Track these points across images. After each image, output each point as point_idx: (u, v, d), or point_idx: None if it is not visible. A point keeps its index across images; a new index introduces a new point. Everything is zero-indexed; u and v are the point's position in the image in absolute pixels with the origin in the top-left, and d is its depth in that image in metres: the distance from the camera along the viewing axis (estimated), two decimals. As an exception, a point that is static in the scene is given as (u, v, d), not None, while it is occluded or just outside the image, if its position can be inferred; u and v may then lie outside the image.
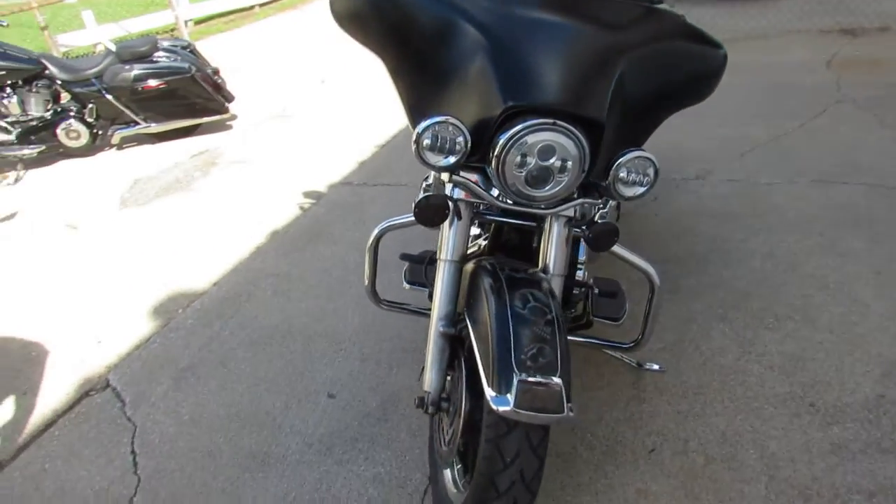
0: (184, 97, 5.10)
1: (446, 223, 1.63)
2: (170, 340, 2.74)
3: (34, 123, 4.95)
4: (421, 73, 1.57)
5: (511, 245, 1.92)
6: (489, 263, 1.61)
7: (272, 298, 2.94)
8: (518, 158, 1.43)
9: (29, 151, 4.97)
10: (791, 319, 2.37)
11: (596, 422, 2.04)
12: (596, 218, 1.60)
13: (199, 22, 11.94)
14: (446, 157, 1.46)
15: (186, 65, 5.00)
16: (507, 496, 1.40)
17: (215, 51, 9.20)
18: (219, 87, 5.28)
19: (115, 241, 3.74)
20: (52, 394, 2.51)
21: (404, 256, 2.08)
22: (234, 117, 5.74)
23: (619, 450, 1.93)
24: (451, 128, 1.43)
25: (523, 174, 1.45)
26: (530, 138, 1.41)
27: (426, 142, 1.43)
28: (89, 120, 5.05)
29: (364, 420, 2.16)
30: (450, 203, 1.55)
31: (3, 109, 4.84)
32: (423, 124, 1.42)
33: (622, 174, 1.50)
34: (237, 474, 2.02)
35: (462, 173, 1.56)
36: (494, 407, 1.32)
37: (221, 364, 2.54)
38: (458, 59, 1.50)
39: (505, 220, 1.71)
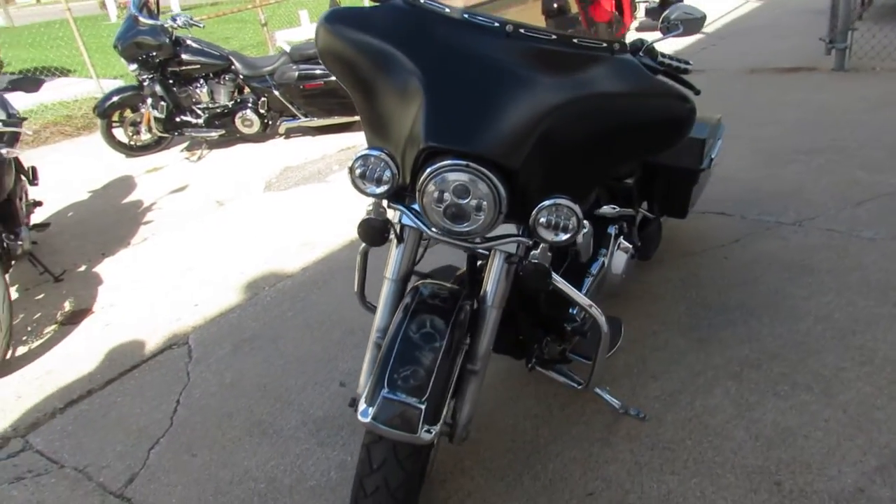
0: (341, 96, 5.61)
1: (393, 245, 1.80)
2: (247, 313, 3.18)
3: (219, 111, 5.78)
4: (375, 109, 1.74)
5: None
6: (422, 285, 1.75)
7: (339, 289, 3.27)
8: (436, 194, 1.56)
9: (212, 134, 5.82)
10: (808, 390, 2.19)
11: (554, 456, 2.08)
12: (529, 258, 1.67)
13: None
14: (375, 186, 1.63)
15: (345, 67, 5.51)
16: (372, 499, 1.55)
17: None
18: (373, 89, 5.74)
19: (247, 220, 4.31)
20: (148, 342, 3.05)
21: None
22: (388, 116, 6.20)
23: (560, 487, 1.97)
24: (382, 161, 1.60)
25: (441, 209, 1.57)
26: (445, 177, 1.53)
27: (358, 171, 1.63)
28: (261, 111, 5.78)
29: (358, 411, 2.39)
30: (392, 227, 1.72)
31: (195, 97, 5.72)
32: (357, 155, 1.61)
33: (542, 219, 1.56)
34: (240, 436, 2.36)
35: (407, 201, 1.72)
36: (358, 416, 1.49)
37: (273, 340, 2.91)
38: (400, 97, 1.65)
39: (448, 243, 1.78)
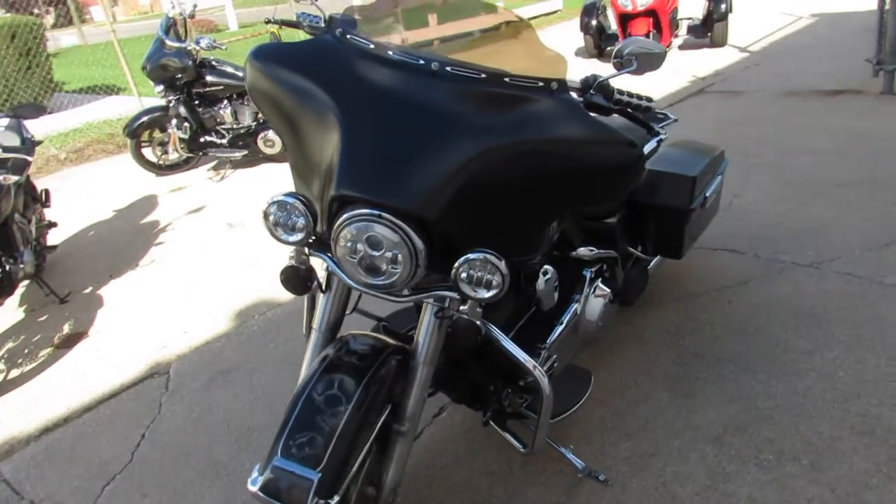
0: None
1: (319, 294, 1.69)
2: (231, 342, 3.13)
3: (242, 131, 5.82)
4: (298, 151, 1.64)
5: None
6: (351, 337, 1.64)
7: (326, 321, 3.18)
8: (349, 245, 1.45)
9: (236, 154, 5.86)
10: (795, 462, 1.97)
11: (505, 519, 1.94)
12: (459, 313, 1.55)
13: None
14: (288, 234, 1.54)
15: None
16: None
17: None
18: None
19: (253, 243, 4.29)
20: (132, 369, 3.03)
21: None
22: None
23: (504, 555, 1.82)
24: (297, 208, 1.51)
25: (356, 260, 1.46)
26: (355, 228, 1.42)
27: (271, 217, 1.53)
28: (284, 131, 5.78)
29: (315, 456, 2.29)
30: (316, 275, 1.62)
31: (219, 118, 5.78)
32: (271, 200, 1.52)
33: (463, 274, 1.44)
34: (193, 478, 2.29)
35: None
36: (248, 484, 1.39)
37: (249, 373, 2.85)
38: (320, 139, 1.55)
39: (372, 294, 1.67)
